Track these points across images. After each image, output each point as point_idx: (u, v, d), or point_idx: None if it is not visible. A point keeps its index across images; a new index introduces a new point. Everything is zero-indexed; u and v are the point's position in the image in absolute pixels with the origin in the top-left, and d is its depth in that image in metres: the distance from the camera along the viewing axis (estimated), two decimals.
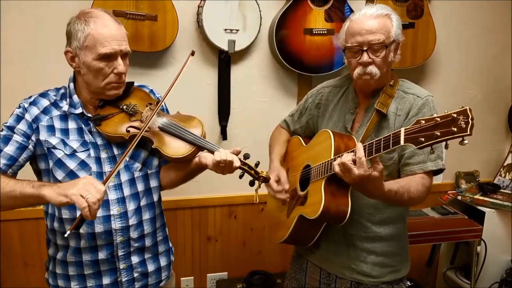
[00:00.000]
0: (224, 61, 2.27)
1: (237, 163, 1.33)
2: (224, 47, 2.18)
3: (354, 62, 1.41)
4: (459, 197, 2.62)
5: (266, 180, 1.42)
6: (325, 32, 2.25)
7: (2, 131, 1.30)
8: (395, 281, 1.53)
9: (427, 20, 2.37)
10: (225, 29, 2.16)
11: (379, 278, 1.51)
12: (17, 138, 1.29)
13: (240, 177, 1.42)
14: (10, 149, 1.27)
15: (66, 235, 1.20)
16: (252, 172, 1.39)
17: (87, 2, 1.96)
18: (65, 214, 1.33)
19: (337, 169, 1.25)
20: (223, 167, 1.31)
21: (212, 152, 1.34)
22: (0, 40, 2.01)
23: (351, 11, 2.23)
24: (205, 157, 1.34)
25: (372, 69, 1.38)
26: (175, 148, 1.34)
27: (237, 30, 2.17)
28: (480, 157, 2.81)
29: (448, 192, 2.71)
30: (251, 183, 1.46)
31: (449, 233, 2.31)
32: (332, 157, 1.37)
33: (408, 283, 2.28)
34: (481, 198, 2.55)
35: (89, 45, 1.26)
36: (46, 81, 2.08)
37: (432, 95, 1.45)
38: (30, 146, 1.30)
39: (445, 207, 2.53)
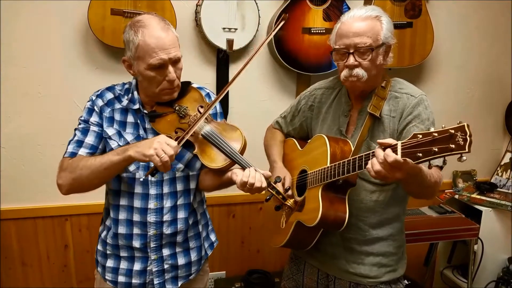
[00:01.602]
0: (223, 60, 2.27)
1: (264, 185, 1.33)
2: (223, 46, 2.18)
3: (341, 64, 1.40)
4: (457, 196, 2.63)
5: (290, 208, 1.44)
6: (323, 31, 2.25)
7: (79, 124, 1.42)
8: (392, 281, 1.54)
9: (425, 20, 2.37)
10: (224, 28, 2.16)
11: (377, 278, 1.51)
12: (94, 128, 1.40)
13: (266, 200, 1.44)
14: (90, 139, 1.39)
15: (141, 179, 1.39)
16: (280, 197, 1.41)
17: (85, 2, 1.96)
18: (110, 201, 1.46)
19: (382, 169, 1.11)
20: (250, 189, 1.33)
21: (244, 169, 1.36)
22: (0, 40, 2.01)
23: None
24: (236, 175, 1.36)
25: (359, 71, 1.37)
26: (212, 158, 1.38)
27: (236, 29, 2.17)
28: (477, 156, 2.82)
29: (446, 191, 2.72)
30: (277, 208, 1.47)
31: (447, 232, 2.32)
32: (328, 164, 1.37)
33: (406, 282, 2.30)
34: (478, 197, 2.56)
35: (140, 56, 1.30)
36: (46, 81, 2.10)
37: (425, 94, 1.44)
38: (104, 134, 1.41)
39: (443, 206, 2.54)
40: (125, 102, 1.42)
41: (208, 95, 1.50)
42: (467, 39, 2.65)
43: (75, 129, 1.42)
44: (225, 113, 2.33)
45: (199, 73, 2.28)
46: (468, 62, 2.69)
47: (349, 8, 2.25)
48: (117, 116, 1.41)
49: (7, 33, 2.01)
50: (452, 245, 2.72)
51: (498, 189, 2.67)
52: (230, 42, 2.18)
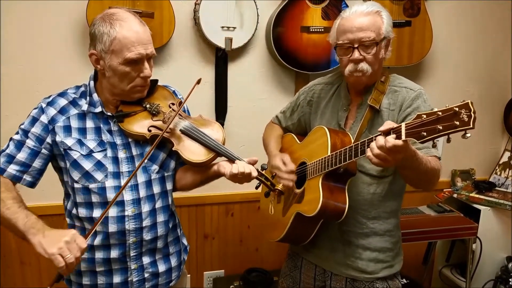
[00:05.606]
0: (221, 58, 2.26)
1: (254, 174, 1.33)
2: (221, 44, 2.18)
3: (345, 59, 1.42)
4: (455, 195, 2.63)
5: (281, 192, 1.43)
6: (322, 30, 2.25)
7: (17, 133, 1.30)
8: (389, 277, 1.55)
9: (423, 18, 2.37)
10: (222, 27, 2.15)
11: (374, 274, 1.52)
12: (29, 143, 1.28)
13: (256, 187, 1.44)
14: (22, 155, 1.27)
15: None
16: (269, 183, 1.41)
17: (84, 1, 1.95)
18: (82, 213, 1.34)
19: (381, 151, 1.13)
20: (241, 178, 1.32)
21: (230, 160, 1.35)
22: (0, 40, 2.00)
23: None
24: (224, 167, 1.34)
25: (363, 66, 1.39)
26: (195, 153, 1.35)
27: (234, 28, 2.17)
28: (475, 155, 2.82)
29: (444, 190, 2.72)
30: (267, 194, 1.48)
31: (445, 231, 2.32)
32: (328, 153, 1.38)
33: (404, 280, 2.31)
34: (477, 196, 2.56)
35: (115, 50, 1.23)
36: (46, 81, 2.10)
37: (423, 89, 1.46)
38: (44, 150, 1.29)
39: (441, 205, 2.55)
40: (84, 106, 1.32)
41: (174, 92, 1.47)
42: (466, 38, 2.65)
43: (11, 138, 1.30)
44: (223, 111, 2.33)
45: (197, 72, 2.28)
46: (467, 61, 2.68)
47: (347, 7, 2.24)
48: (74, 123, 1.30)
49: (5, 32, 2.01)
50: (450, 244, 2.72)
51: (497, 188, 2.67)
52: (229, 41, 2.17)
